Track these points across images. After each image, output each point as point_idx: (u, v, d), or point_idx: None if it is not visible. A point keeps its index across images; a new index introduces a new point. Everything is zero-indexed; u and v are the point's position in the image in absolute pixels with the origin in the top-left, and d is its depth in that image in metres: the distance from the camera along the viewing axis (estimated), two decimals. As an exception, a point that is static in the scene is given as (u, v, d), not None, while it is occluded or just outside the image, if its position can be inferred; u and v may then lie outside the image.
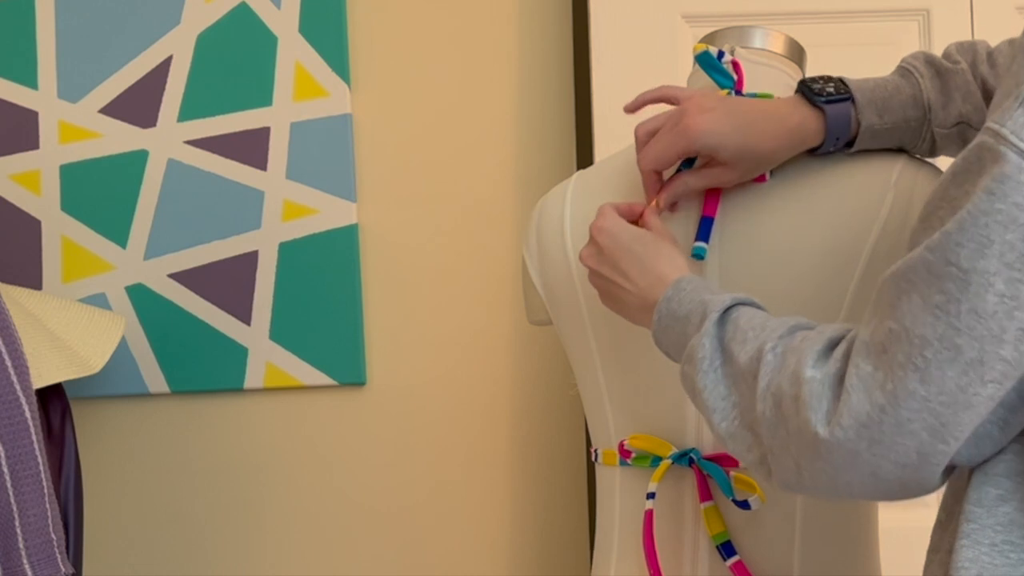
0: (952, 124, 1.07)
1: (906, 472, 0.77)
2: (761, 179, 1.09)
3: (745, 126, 1.04)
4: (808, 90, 1.06)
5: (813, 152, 1.08)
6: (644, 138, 1.10)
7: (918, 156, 1.12)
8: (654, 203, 1.08)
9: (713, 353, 0.89)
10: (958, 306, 0.73)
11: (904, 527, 1.68)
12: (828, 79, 1.07)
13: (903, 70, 1.09)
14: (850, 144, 1.08)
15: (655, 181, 1.09)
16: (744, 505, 1.06)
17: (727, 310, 0.91)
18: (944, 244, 0.74)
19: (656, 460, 1.11)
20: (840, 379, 0.78)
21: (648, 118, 1.12)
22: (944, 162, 1.64)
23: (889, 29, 1.78)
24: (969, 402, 0.74)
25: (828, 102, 1.05)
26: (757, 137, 1.04)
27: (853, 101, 1.05)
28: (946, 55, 1.09)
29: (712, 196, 1.10)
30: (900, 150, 1.10)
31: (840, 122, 1.05)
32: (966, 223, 0.73)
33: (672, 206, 1.10)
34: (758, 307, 0.93)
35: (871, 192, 1.07)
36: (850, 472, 0.78)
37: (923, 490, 0.79)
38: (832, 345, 0.82)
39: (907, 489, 0.79)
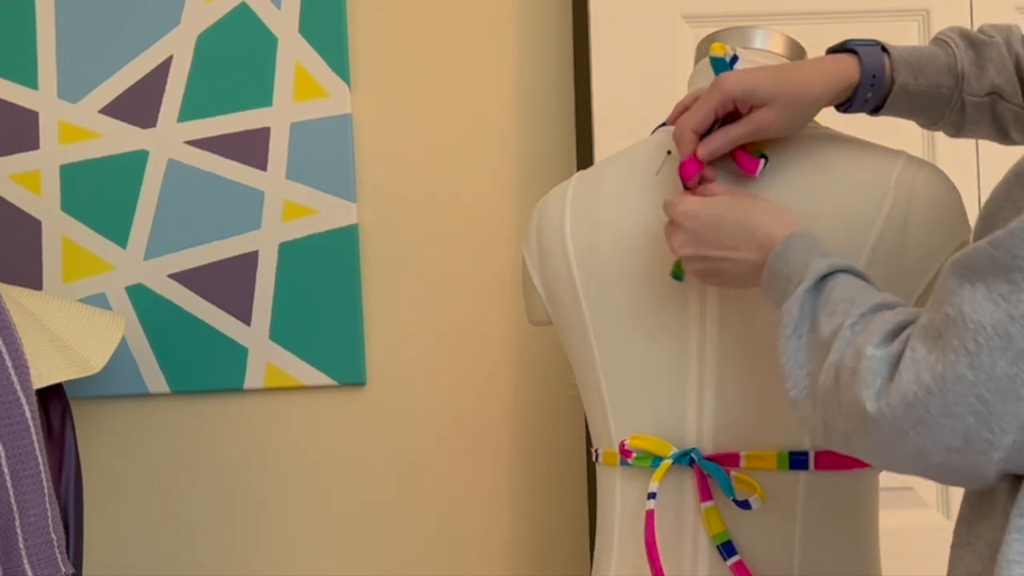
0: (984, 93, 1.08)
1: (951, 456, 0.77)
2: (751, 170, 1.08)
3: (778, 70, 1.05)
4: (837, 44, 1.08)
5: (847, 106, 1.08)
6: (680, 110, 1.11)
7: (943, 127, 1.12)
8: (696, 159, 1.08)
9: (801, 320, 0.90)
10: (1019, 296, 0.73)
11: (904, 527, 1.69)
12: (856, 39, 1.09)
13: (939, 40, 1.10)
14: (880, 107, 1.09)
15: (692, 143, 1.08)
16: (744, 505, 1.06)
17: (823, 278, 0.91)
18: (1009, 240, 0.74)
19: (657, 460, 1.11)
20: (898, 359, 0.79)
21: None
22: (946, 164, 1.65)
23: (889, 29, 1.78)
24: (1017, 393, 0.74)
25: (859, 45, 1.06)
26: (792, 75, 1.05)
27: (886, 52, 1.07)
28: (980, 30, 1.10)
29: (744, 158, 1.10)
30: (900, 151, 1.10)
31: (874, 63, 1.06)
32: None
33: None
34: (857, 274, 0.92)
35: (871, 192, 1.07)
36: (896, 448, 0.78)
37: (971, 479, 0.79)
38: (901, 328, 0.82)
39: (954, 473, 0.78)
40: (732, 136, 1.07)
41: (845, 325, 0.85)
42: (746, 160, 1.09)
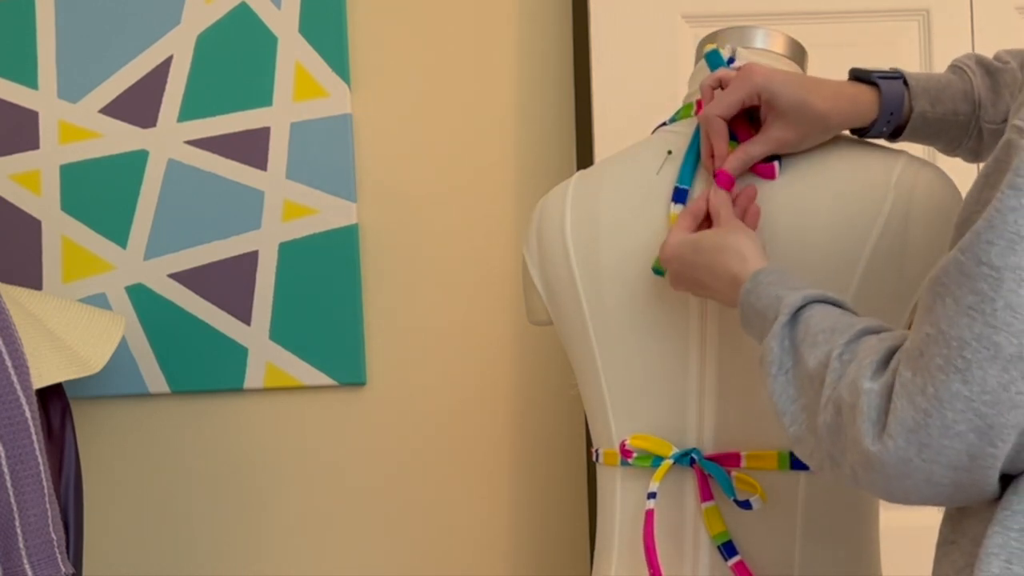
0: (1001, 120, 1.09)
1: (959, 474, 0.76)
2: (770, 175, 1.09)
3: (802, 82, 1.07)
4: (860, 71, 1.09)
5: (864, 133, 1.10)
6: (709, 92, 1.13)
7: (962, 154, 1.13)
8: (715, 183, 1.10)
9: (783, 356, 0.89)
10: (992, 304, 0.72)
11: (904, 527, 1.68)
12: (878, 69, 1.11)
13: (955, 67, 1.11)
14: (898, 132, 1.10)
15: (721, 129, 1.10)
16: (745, 505, 1.07)
17: (798, 311, 0.91)
18: (975, 244, 0.74)
19: (657, 460, 1.11)
20: (891, 389, 0.78)
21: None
22: (946, 165, 1.65)
23: (889, 29, 1.78)
24: (1013, 401, 0.73)
25: (882, 78, 1.08)
26: (814, 94, 1.06)
27: (905, 83, 1.08)
28: (996, 57, 1.11)
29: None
30: (900, 151, 1.10)
31: (893, 98, 1.07)
32: (995, 220, 0.73)
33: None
34: (833, 302, 0.93)
35: (872, 193, 1.07)
36: (904, 480, 0.77)
37: (981, 494, 0.78)
38: (890, 355, 0.81)
39: (963, 491, 0.78)
40: (751, 154, 1.09)
41: (833, 356, 0.84)
42: (761, 167, 1.10)
